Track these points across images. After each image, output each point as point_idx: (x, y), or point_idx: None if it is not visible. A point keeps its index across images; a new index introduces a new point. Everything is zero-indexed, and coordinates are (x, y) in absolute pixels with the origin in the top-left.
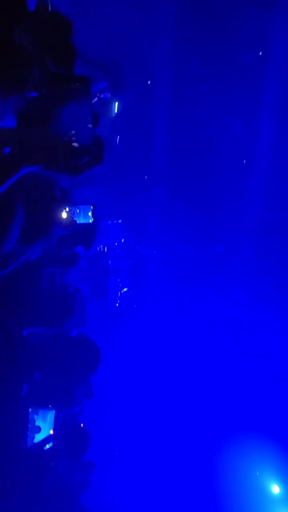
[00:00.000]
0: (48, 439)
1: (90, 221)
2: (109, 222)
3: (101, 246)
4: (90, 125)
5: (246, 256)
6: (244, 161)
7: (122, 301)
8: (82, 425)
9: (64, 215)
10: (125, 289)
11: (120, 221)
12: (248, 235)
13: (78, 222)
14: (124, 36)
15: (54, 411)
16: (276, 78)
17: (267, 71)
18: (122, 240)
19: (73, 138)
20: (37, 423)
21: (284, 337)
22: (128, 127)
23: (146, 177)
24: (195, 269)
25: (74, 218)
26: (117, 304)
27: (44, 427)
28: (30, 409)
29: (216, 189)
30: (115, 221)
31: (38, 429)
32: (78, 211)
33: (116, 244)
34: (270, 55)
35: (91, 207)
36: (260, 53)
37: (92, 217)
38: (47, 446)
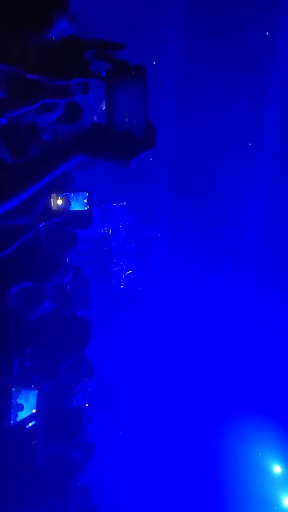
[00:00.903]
0: (30, 417)
1: (86, 208)
2: (114, 204)
3: (106, 228)
4: (145, 113)
5: (251, 239)
6: (250, 144)
7: (127, 283)
8: (87, 405)
9: (59, 201)
10: (129, 272)
11: (124, 203)
12: (255, 217)
13: (73, 209)
14: (132, 16)
15: (36, 390)
16: (283, 59)
17: (274, 52)
18: (127, 223)
19: (127, 125)
20: (19, 402)
21: (286, 322)
22: None
23: (151, 159)
24: (200, 251)
25: (69, 205)
26: (121, 286)
27: (27, 406)
28: (13, 389)
29: (222, 171)
30: (119, 204)
31: (21, 407)
32: (72, 196)
33: (120, 226)
34: (277, 35)
35: (86, 194)
36: (267, 33)
37: (87, 204)
38: (30, 425)
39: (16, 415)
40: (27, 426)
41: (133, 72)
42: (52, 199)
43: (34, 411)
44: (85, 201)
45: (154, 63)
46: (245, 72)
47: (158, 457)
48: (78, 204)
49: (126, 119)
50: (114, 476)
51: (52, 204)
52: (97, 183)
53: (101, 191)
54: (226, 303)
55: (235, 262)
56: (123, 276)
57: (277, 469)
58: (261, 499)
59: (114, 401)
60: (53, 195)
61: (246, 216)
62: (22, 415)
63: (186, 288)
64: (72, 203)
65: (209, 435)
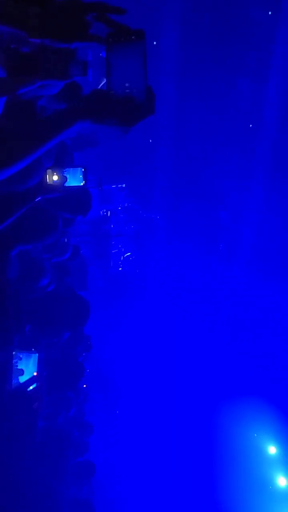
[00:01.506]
0: (31, 380)
1: (82, 183)
2: (113, 186)
3: (105, 210)
4: (143, 77)
5: (251, 221)
6: (251, 125)
7: (125, 265)
8: (85, 386)
9: (55, 177)
10: (128, 254)
11: (124, 185)
12: (255, 200)
13: (69, 184)
14: None
15: (37, 354)
16: (286, 38)
17: (276, 31)
18: (126, 205)
19: (127, 90)
20: (20, 367)
21: (284, 305)
22: None
23: (150, 140)
24: (199, 234)
25: (65, 181)
26: (120, 268)
27: (27, 370)
28: (14, 352)
29: (222, 152)
30: (118, 186)
31: (21, 372)
32: (68, 171)
33: (119, 208)
34: (279, 15)
35: (82, 169)
36: (270, 12)
37: (83, 179)
38: (31, 387)
39: (17, 380)
40: (28, 389)
41: (133, 37)
42: (47, 175)
43: (35, 374)
44: (81, 176)
45: (154, 43)
46: (246, 52)
47: (155, 437)
48: (74, 180)
49: (126, 84)
50: (111, 454)
51: (47, 180)
52: (97, 165)
53: (101, 173)
54: (224, 285)
55: (234, 244)
56: (122, 258)
57: (272, 450)
58: (257, 479)
59: (112, 382)
60: (49, 170)
61: (246, 198)
62: (23, 379)
63: (185, 270)
64: (67, 178)
65: (205, 417)
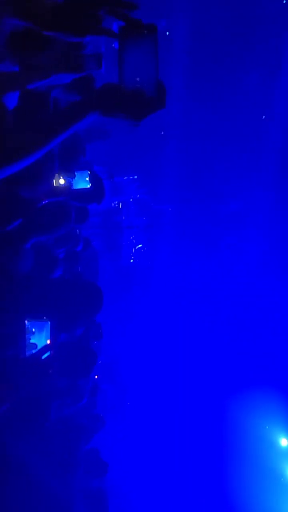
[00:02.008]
0: (45, 348)
1: (88, 186)
2: (125, 178)
3: (116, 202)
4: (154, 71)
5: (262, 213)
6: (264, 117)
7: (137, 258)
8: (96, 377)
9: (61, 181)
10: (139, 246)
11: (135, 177)
12: (265, 192)
13: (76, 187)
14: None
15: (49, 322)
16: None
17: None
18: (138, 196)
19: (138, 84)
20: (33, 340)
21: None
22: None
23: (162, 132)
24: (210, 226)
25: (71, 184)
26: (131, 261)
27: (40, 341)
28: (26, 321)
29: (233, 144)
30: (130, 177)
31: (34, 346)
32: (74, 175)
33: (131, 200)
34: None
35: (88, 172)
36: (284, 1)
37: (89, 182)
38: (45, 356)
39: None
40: (42, 357)
41: (145, 31)
42: (54, 179)
43: (48, 342)
44: (87, 179)
45: (167, 33)
46: (260, 41)
47: (165, 429)
48: (81, 182)
49: (138, 79)
50: (122, 446)
51: (54, 183)
52: (109, 156)
53: (112, 164)
54: (237, 277)
55: (246, 236)
56: (133, 250)
57: (283, 442)
58: (268, 471)
59: (123, 373)
60: (55, 175)
61: (258, 190)
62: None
63: (196, 262)
64: (74, 181)
65: (216, 408)
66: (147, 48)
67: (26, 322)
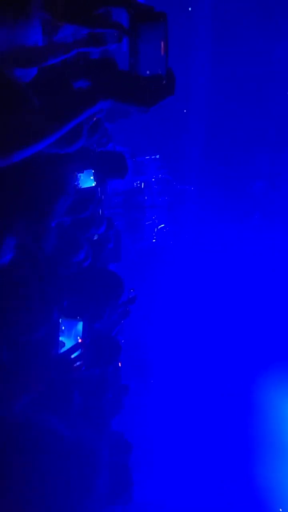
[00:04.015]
0: (75, 347)
1: (93, 184)
2: (147, 157)
3: (138, 182)
4: (164, 59)
5: (287, 192)
6: None
7: (159, 237)
8: (120, 364)
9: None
10: (161, 225)
11: (157, 156)
12: None
13: (83, 186)
14: None
15: (82, 322)
16: None
17: None
18: (160, 176)
19: (147, 72)
20: (61, 339)
21: None
22: None
23: (185, 110)
24: (234, 205)
25: (78, 184)
26: (153, 240)
27: (70, 340)
28: (60, 320)
29: (258, 122)
30: (152, 157)
31: (63, 344)
32: (80, 175)
33: (153, 179)
34: None
35: (92, 171)
36: None
37: (94, 180)
38: (75, 354)
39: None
40: (73, 356)
41: (155, 19)
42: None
43: (79, 340)
44: (92, 177)
45: (189, 9)
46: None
47: (190, 409)
48: (86, 181)
49: (148, 66)
50: (146, 423)
51: None
52: (130, 136)
53: (134, 144)
54: (261, 257)
55: (269, 215)
56: (155, 230)
57: None
58: None
59: (146, 353)
60: None
61: (282, 167)
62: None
63: (219, 242)
64: (80, 181)
65: (242, 392)
66: (158, 36)
67: (60, 320)
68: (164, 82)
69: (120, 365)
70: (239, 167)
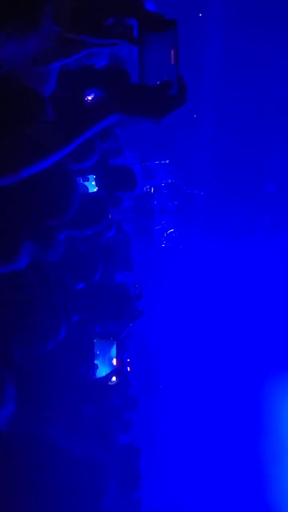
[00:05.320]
0: (112, 373)
1: (95, 189)
2: (156, 162)
3: (148, 186)
4: (174, 68)
5: None
6: None
7: (168, 242)
8: (128, 360)
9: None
10: (171, 230)
11: (167, 161)
12: None
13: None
14: None
15: (115, 342)
16: None
17: None
18: (169, 181)
19: (158, 82)
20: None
21: None
22: None
23: (195, 115)
24: (244, 210)
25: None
26: (163, 245)
27: (105, 359)
28: (94, 340)
29: (268, 126)
30: (162, 161)
31: (96, 367)
32: (83, 180)
33: (163, 184)
34: None
35: (94, 176)
36: None
37: (96, 185)
38: (113, 380)
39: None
40: (110, 383)
41: (165, 27)
42: None
43: (114, 363)
44: (93, 183)
45: (200, 15)
46: None
47: (199, 413)
48: (89, 186)
49: (159, 75)
50: (157, 428)
51: None
52: (140, 141)
53: (144, 149)
54: (270, 263)
55: (279, 221)
56: (165, 234)
57: None
58: None
59: (154, 357)
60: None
61: None
62: (99, 374)
63: (228, 246)
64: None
65: (252, 392)
66: (168, 44)
67: (94, 341)
68: (175, 91)
69: (129, 369)
70: (249, 171)
